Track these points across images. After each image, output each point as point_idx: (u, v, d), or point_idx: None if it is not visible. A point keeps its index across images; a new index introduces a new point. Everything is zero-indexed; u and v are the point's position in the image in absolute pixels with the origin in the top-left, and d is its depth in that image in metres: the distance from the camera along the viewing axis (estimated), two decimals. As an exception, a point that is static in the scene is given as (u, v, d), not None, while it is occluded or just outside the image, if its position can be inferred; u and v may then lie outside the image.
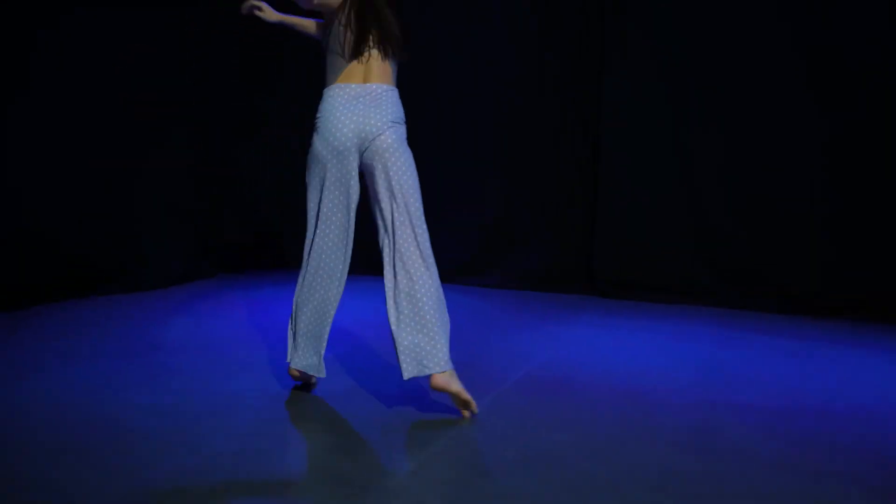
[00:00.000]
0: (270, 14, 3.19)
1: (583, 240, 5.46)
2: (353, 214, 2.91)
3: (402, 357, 2.80)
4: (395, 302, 2.83)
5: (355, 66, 2.90)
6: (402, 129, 2.93)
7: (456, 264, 5.48)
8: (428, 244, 2.88)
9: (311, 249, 2.95)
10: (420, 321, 2.79)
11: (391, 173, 2.84)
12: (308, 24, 3.17)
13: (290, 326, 3.04)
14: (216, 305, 4.82)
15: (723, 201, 5.10)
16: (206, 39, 5.43)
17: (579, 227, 5.46)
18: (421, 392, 3.11)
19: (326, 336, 2.96)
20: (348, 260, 2.94)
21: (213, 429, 2.69)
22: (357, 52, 2.89)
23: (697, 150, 5.13)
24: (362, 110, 2.85)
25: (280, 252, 6.21)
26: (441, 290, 2.88)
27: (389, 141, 2.85)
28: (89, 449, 2.48)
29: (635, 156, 5.26)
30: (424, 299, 2.80)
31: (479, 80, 5.63)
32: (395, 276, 2.84)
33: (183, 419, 2.77)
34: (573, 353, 3.88)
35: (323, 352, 2.96)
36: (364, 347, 3.86)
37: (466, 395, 2.83)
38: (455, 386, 2.81)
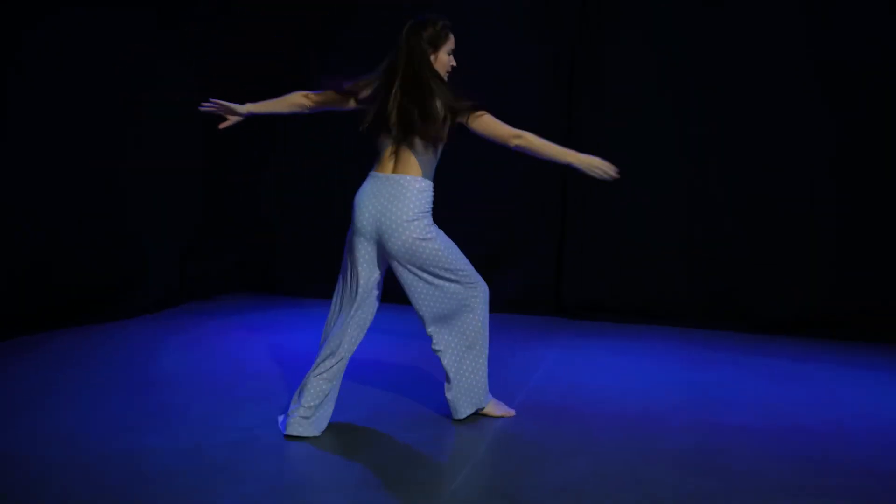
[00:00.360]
0: (240, 109, 3.09)
1: (552, 262, 5.56)
2: (367, 296, 3.03)
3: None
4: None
5: (387, 153, 3.00)
6: (422, 223, 2.97)
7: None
8: (448, 328, 3.13)
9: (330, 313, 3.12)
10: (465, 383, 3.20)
11: (408, 283, 3.04)
12: (284, 104, 3.13)
13: None
14: (206, 332, 4.75)
15: (694, 223, 5.24)
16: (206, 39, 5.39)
17: (549, 248, 5.56)
18: (431, 423, 3.22)
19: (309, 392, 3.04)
20: (353, 337, 3.05)
21: (237, 469, 2.69)
22: (383, 143, 3.02)
23: (669, 174, 5.26)
24: (384, 204, 2.96)
25: (273, 274, 6.09)
26: (482, 339, 3.17)
27: (406, 245, 2.96)
28: (114, 496, 2.45)
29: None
30: (471, 366, 3.20)
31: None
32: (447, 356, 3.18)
33: (202, 460, 2.76)
34: (561, 377, 4.01)
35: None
36: (373, 378, 3.85)
37: (503, 413, 3.31)
38: (498, 411, 3.30)
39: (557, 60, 5.47)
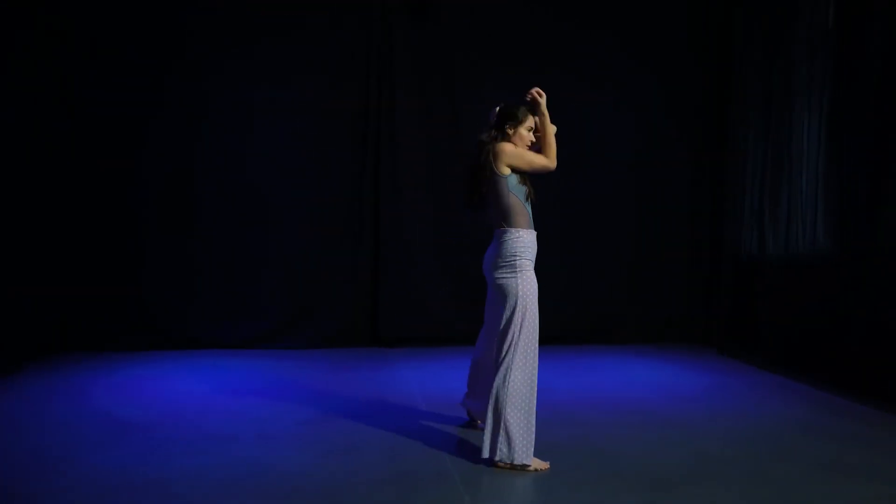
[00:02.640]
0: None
1: (368, 305, 6.80)
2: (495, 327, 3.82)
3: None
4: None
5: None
6: (505, 272, 3.76)
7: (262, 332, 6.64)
8: (511, 370, 3.67)
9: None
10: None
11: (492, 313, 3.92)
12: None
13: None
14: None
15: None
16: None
17: (365, 295, 6.78)
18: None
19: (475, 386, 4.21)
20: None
21: None
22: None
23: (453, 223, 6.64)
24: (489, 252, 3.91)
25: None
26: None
27: (493, 284, 3.84)
28: None
29: (405, 228, 6.75)
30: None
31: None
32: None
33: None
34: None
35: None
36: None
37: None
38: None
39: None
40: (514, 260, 3.78)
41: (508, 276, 3.77)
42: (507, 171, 3.82)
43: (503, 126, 3.88)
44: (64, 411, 4.61)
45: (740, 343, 6.66)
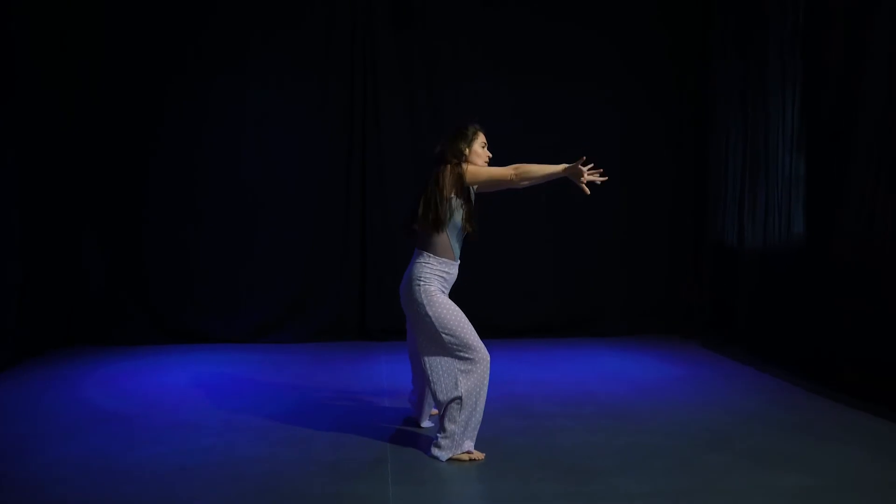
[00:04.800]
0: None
1: (356, 299, 7.02)
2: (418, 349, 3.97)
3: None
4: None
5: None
6: (416, 288, 3.85)
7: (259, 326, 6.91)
8: (438, 379, 3.84)
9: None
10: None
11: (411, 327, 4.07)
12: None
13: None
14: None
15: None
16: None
17: (353, 289, 6.99)
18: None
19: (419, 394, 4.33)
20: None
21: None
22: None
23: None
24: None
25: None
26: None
27: (405, 302, 3.96)
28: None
29: (392, 224, 6.86)
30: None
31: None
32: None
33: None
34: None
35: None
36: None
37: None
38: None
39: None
40: (420, 284, 3.89)
41: (415, 297, 3.89)
42: (453, 194, 3.92)
43: (458, 147, 3.97)
44: (51, 402, 4.92)
45: (720, 334, 6.74)
